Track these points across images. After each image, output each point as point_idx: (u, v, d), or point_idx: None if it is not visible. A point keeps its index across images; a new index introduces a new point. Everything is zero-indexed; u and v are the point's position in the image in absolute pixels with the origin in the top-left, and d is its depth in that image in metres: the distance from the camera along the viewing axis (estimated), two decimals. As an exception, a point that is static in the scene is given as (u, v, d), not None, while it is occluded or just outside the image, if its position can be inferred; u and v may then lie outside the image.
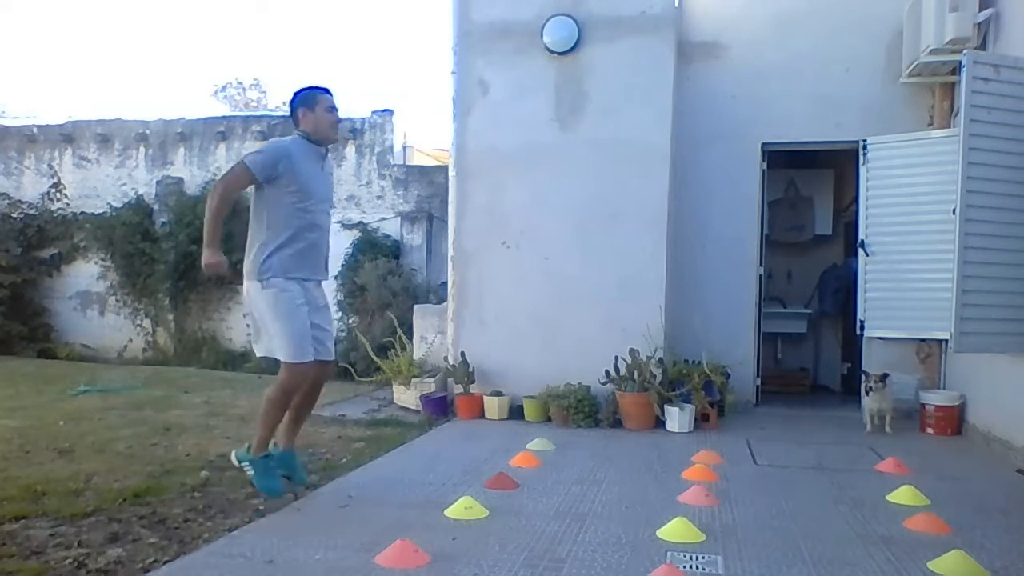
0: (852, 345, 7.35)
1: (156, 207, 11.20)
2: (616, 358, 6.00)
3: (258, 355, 3.87)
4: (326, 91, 3.96)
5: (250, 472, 3.78)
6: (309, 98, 3.89)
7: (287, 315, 3.69)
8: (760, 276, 7.06)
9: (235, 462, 3.87)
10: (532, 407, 6.32)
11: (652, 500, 4.00)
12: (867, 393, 6.02)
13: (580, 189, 6.44)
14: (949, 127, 6.31)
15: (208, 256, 3.71)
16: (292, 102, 3.96)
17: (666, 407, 5.93)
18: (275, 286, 3.72)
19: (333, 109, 3.93)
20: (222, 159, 11.15)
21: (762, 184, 7.05)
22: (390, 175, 10.60)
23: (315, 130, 3.89)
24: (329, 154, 4.08)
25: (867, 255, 6.40)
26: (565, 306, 6.43)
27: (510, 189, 6.59)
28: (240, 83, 22.38)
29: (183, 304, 11.03)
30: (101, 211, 11.42)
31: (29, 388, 7.84)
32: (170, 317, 11.11)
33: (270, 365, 3.91)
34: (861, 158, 6.46)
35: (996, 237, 4.87)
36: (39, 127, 11.97)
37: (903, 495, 4.02)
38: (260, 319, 3.76)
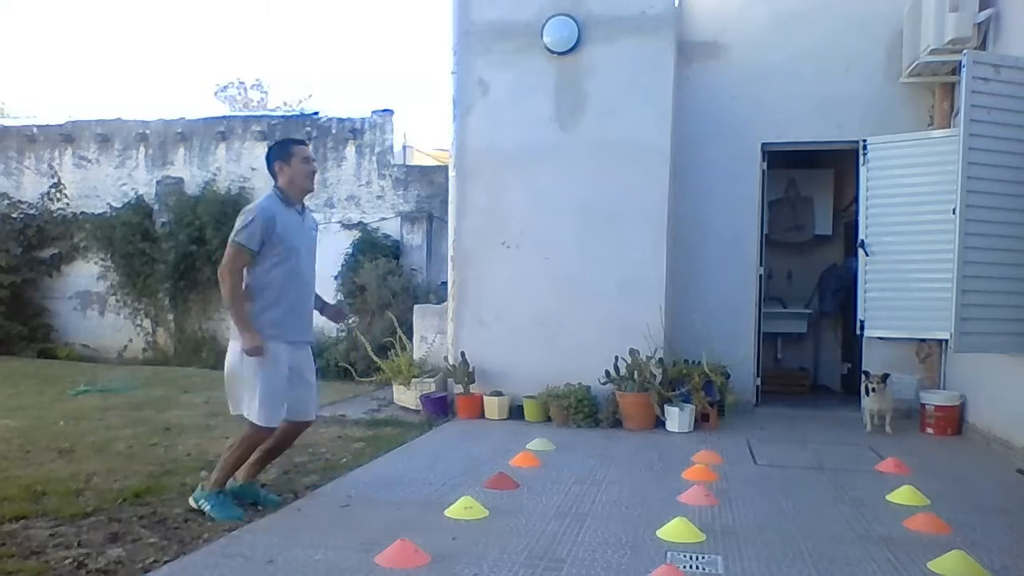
0: (852, 345, 7.35)
1: (156, 207, 11.19)
2: (616, 358, 6.00)
3: (232, 412, 3.83)
4: (301, 142, 4.01)
5: (207, 507, 3.71)
6: (284, 151, 3.91)
7: (265, 380, 3.68)
8: (760, 276, 7.06)
9: (193, 504, 3.78)
10: (532, 407, 6.32)
11: (652, 500, 3.99)
12: (867, 394, 6.02)
13: (580, 189, 6.44)
14: (949, 127, 6.31)
15: (247, 341, 3.64)
16: (268, 156, 3.98)
17: (666, 407, 5.94)
18: (262, 352, 3.68)
19: (308, 160, 3.92)
20: (222, 159, 11.15)
21: (762, 184, 7.05)
22: (390, 175, 10.60)
23: (291, 182, 3.88)
24: (307, 209, 4.05)
25: (867, 255, 6.40)
26: (565, 306, 6.43)
27: (510, 189, 6.59)
28: (242, 83, 22.32)
29: (183, 304, 11.01)
30: (101, 211, 11.41)
31: (29, 388, 7.83)
32: (170, 317, 11.11)
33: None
34: (861, 158, 6.46)
35: (996, 237, 4.88)
36: (39, 127, 11.95)
37: (903, 495, 4.02)
38: (238, 378, 3.74)
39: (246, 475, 3.93)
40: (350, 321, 9.68)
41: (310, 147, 4.06)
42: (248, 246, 3.68)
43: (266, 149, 4.04)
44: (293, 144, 3.96)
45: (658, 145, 6.34)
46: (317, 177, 4.21)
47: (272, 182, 3.97)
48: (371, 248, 10.09)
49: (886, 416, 5.95)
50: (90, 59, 38.64)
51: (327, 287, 9.46)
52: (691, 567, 3.03)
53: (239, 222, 3.72)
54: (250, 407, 3.70)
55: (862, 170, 6.47)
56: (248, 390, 3.70)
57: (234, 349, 3.76)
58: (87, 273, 11.58)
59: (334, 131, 10.69)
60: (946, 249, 5.14)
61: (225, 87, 22.29)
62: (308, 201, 4.11)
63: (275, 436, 3.86)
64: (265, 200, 3.85)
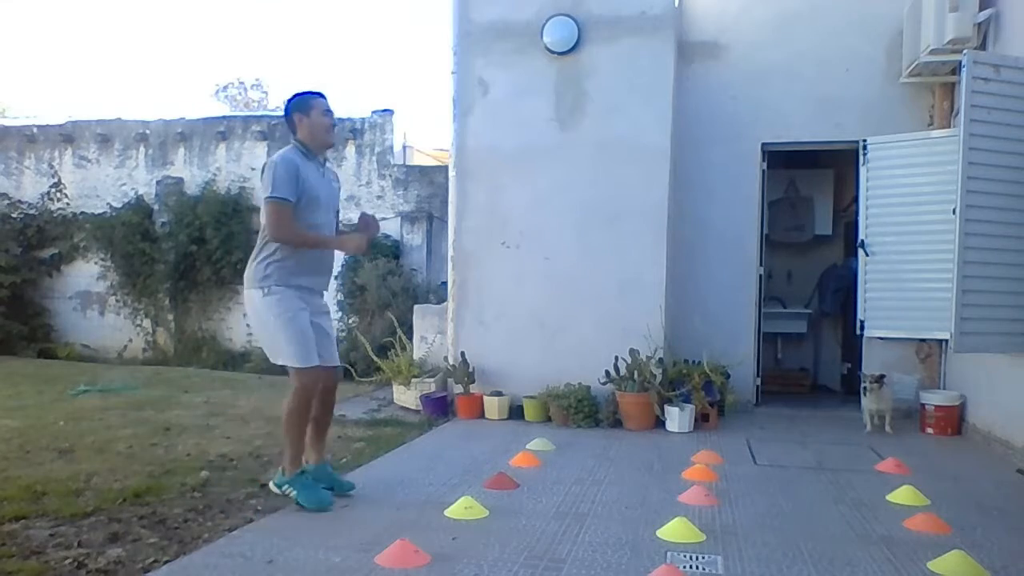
0: (852, 345, 7.35)
1: (156, 207, 11.20)
2: (616, 358, 6.00)
3: (277, 363, 3.80)
4: (320, 95, 3.95)
5: (292, 493, 3.70)
6: (303, 104, 3.88)
7: (290, 321, 3.68)
8: (760, 276, 7.06)
9: (276, 490, 3.78)
10: (532, 407, 6.32)
11: (652, 500, 4.00)
12: (864, 393, 6.02)
13: (580, 189, 6.44)
14: (949, 127, 6.31)
15: (347, 246, 3.88)
16: (287, 109, 3.94)
17: (666, 407, 5.93)
18: (276, 293, 3.71)
19: (328, 113, 3.91)
20: (222, 159, 11.16)
21: (762, 184, 7.05)
22: (390, 175, 10.60)
23: (311, 135, 3.87)
24: (328, 162, 4.06)
25: (867, 255, 6.40)
26: (565, 306, 6.43)
27: (510, 189, 6.59)
28: (242, 83, 22.40)
29: (183, 304, 11.02)
30: (101, 211, 11.42)
31: (29, 388, 7.83)
32: (170, 317, 11.11)
33: (270, 365, 3.92)
34: (861, 158, 6.46)
35: (996, 237, 4.88)
36: (39, 127, 11.96)
37: (903, 495, 4.02)
38: (264, 327, 3.75)
39: (315, 458, 3.92)
40: (350, 321, 9.69)
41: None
42: (286, 197, 3.65)
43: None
44: (313, 96, 3.91)
45: (658, 145, 6.34)
46: (333, 145, 4.20)
47: (291, 136, 3.94)
48: (371, 248, 10.06)
49: (886, 416, 5.95)
50: (90, 59, 38.66)
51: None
52: (691, 567, 3.03)
53: (266, 179, 3.68)
54: (287, 352, 3.67)
55: (862, 170, 6.46)
56: (279, 336, 3.68)
57: (251, 296, 3.76)
58: (87, 273, 11.59)
59: (334, 131, 10.67)
60: (946, 249, 5.13)
61: (225, 87, 22.35)
62: None
63: (316, 398, 3.80)
64: (285, 151, 3.84)
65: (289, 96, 3.99)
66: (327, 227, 3.91)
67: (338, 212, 4.10)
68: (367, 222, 4.11)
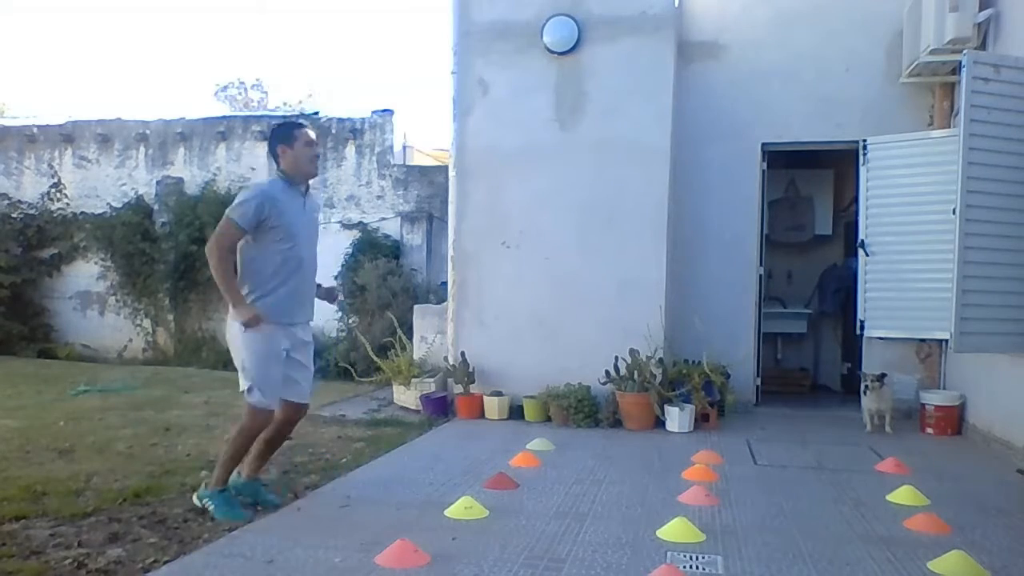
0: (852, 345, 7.35)
1: (156, 207, 11.18)
2: (616, 358, 6.00)
3: (241, 390, 3.79)
4: (303, 125, 3.95)
5: (210, 506, 3.68)
6: (286, 135, 3.85)
7: (261, 362, 3.67)
8: (760, 276, 7.06)
9: (196, 502, 3.76)
10: (532, 407, 6.32)
11: (652, 500, 4.00)
12: (865, 393, 6.02)
13: (580, 189, 6.44)
14: (949, 127, 6.31)
15: (242, 314, 3.63)
16: (270, 140, 3.93)
17: (666, 407, 5.93)
18: (257, 330, 3.67)
19: (311, 144, 3.87)
20: (222, 159, 11.15)
21: (762, 184, 7.05)
22: (390, 175, 10.60)
23: (294, 165, 3.82)
24: (310, 191, 3.99)
25: (867, 255, 6.40)
26: (565, 306, 6.43)
27: (510, 189, 6.59)
28: (242, 83, 22.36)
29: (183, 304, 11.01)
30: (101, 211, 11.40)
31: (29, 388, 7.83)
32: (170, 317, 11.10)
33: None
34: (861, 158, 6.46)
35: (996, 237, 4.88)
36: (39, 127, 11.95)
37: (903, 495, 4.02)
38: (237, 357, 3.75)
39: (250, 470, 3.90)
40: (350, 321, 9.69)
41: (315, 133, 3.99)
42: (240, 224, 3.64)
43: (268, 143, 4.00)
44: (296, 127, 3.90)
45: (658, 145, 6.34)
46: (317, 176, 4.18)
47: (275, 166, 3.92)
48: (371, 248, 10.09)
49: (886, 416, 5.95)
50: (90, 59, 38.66)
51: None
52: (691, 567, 3.03)
53: (238, 198, 3.70)
54: (249, 389, 3.68)
55: (862, 170, 6.47)
56: (248, 372, 3.68)
57: (231, 327, 3.76)
58: (87, 273, 11.57)
59: (334, 131, 10.69)
60: (946, 249, 5.14)
61: (225, 87, 22.32)
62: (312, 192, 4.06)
63: (274, 424, 3.82)
64: (268, 183, 3.85)
65: (273, 127, 3.98)
66: (307, 260, 3.88)
67: (315, 239, 4.03)
68: (328, 292, 4.19)
